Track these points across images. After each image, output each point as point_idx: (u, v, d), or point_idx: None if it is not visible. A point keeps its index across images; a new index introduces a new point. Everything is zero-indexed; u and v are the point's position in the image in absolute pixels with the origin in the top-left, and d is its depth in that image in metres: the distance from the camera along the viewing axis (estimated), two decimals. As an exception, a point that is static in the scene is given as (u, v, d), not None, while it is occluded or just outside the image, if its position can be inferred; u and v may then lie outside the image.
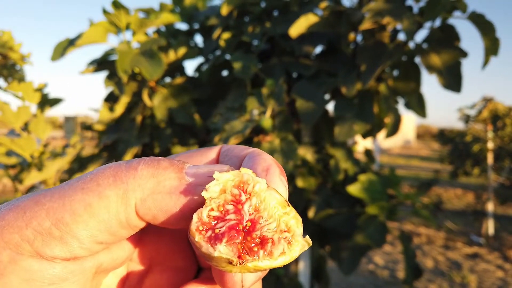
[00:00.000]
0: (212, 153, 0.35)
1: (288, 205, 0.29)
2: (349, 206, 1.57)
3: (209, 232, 0.27)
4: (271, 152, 1.40)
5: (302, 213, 1.57)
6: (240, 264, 0.26)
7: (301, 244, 0.28)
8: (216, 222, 0.27)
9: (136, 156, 1.61)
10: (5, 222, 0.26)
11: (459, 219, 7.26)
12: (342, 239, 1.56)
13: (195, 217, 0.27)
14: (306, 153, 1.55)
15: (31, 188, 1.59)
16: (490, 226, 6.22)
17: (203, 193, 0.27)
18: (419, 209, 1.54)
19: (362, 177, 1.49)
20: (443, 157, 7.75)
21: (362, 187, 1.49)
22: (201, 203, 0.28)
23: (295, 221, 0.28)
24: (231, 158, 0.34)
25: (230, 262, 0.26)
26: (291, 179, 1.52)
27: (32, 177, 1.34)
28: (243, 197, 0.28)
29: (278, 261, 0.27)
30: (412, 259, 1.55)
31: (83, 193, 0.27)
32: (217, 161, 0.35)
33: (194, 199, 0.28)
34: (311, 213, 1.52)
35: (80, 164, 1.46)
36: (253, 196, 0.28)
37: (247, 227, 0.27)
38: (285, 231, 0.28)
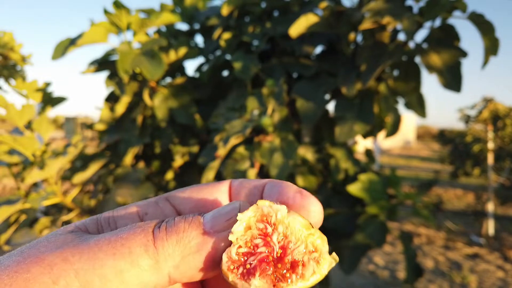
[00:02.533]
0: (222, 187, 0.35)
1: (312, 226, 0.30)
2: (349, 206, 1.58)
3: (241, 269, 0.28)
4: (272, 151, 1.40)
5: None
6: None
7: (328, 261, 0.29)
8: (246, 258, 0.28)
9: (137, 155, 1.62)
10: (30, 275, 0.26)
11: (459, 220, 7.26)
12: (342, 239, 1.57)
13: (224, 257, 0.28)
14: (306, 152, 1.55)
15: (33, 186, 1.60)
16: (490, 227, 6.22)
17: (230, 237, 0.28)
18: (420, 209, 1.55)
19: (363, 177, 1.49)
20: (443, 157, 7.74)
21: (363, 187, 1.50)
22: (229, 245, 0.29)
23: (320, 241, 0.30)
24: (250, 189, 0.34)
25: None
26: (291, 178, 1.52)
27: (33, 176, 1.34)
28: (269, 229, 0.29)
29: (310, 281, 0.28)
30: (412, 259, 1.55)
31: (114, 259, 0.27)
32: (230, 195, 0.35)
33: (221, 246, 0.29)
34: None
35: (83, 162, 1.47)
36: (278, 224, 0.29)
37: (279, 254, 0.28)
38: (313, 252, 0.29)
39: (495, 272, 4.90)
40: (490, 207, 6.27)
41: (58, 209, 1.53)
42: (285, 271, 0.28)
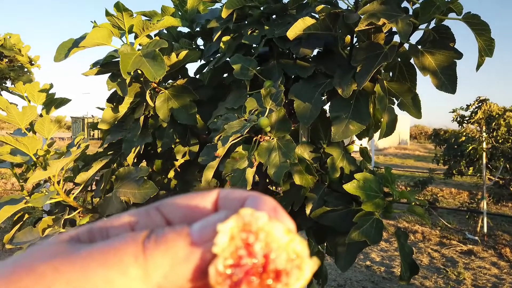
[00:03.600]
0: (210, 197, 0.36)
1: (291, 231, 0.30)
2: (345, 204, 1.61)
3: (228, 281, 0.28)
4: (269, 151, 1.43)
5: (300, 210, 1.61)
6: None
7: (310, 265, 0.30)
8: (232, 270, 0.28)
9: (139, 155, 1.65)
10: (23, 285, 0.27)
11: (454, 218, 7.32)
12: (338, 236, 1.60)
13: (212, 270, 0.29)
14: (304, 152, 1.59)
15: (36, 186, 1.62)
16: (484, 224, 6.29)
17: (214, 249, 0.29)
18: (414, 207, 1.58)
19: (359, 176, 1.53)
20: (437, 157, 7.81)
21: (358, 185, 1.53)
22: (215, 255, 0.29)
23: (301, 246, 0.30)
24: (231, 200, 0.35)
25: None
26: (289, 177, 1.56)
27: (36, 176, 1.37)
28: (251, 238, 0.29)
29: (296, 287, 0.29)
30: (408, 256, 1.59)
31: (105, 268, 0.28)
32: (216, 203, 0.36)
33: (208, 256, 0.29)
34: (308, 210, 1.56)
35: (84, 162, 1.50)
36: (260, 232, 0.29)
37: (262, 263, 0.29)
38: (294, 258, 0.29)
39: (490, 269, 4.96)
40: (484, 205, 6.34)
41: (61, 208, 1.56)
42: (270, 281, 0.28)
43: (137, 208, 0.36)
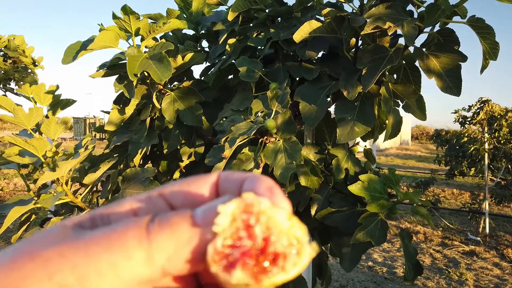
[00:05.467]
0: (211, 179, 0.36)
1: (292, 216, 0.30)
2: (350, 205, 1.62)
3: (224, 261, 0.28)
4: (276, 152, 1.44)
5: (305, 210, 1.62)
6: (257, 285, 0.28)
7: (308, 252, 0.30)
8: (230, 250, 0.28)
9: (145, 156, 1.66)
10: (25, 272, 0.26)
11: (456, 218, 7.33)
12: (343, 236, 1.61)
13: (210, 248, 0.29)
14: (309, 153, 1.60)
15: (42, 187, 1.63)
16: (486, 225, 6.29)
17: (215, 228, 0.29)
18: (418, 208, 1.59)
19: (363, 177, 1.54)
20: (439, 158, 7.81)
21: (363, 186, 1.54)
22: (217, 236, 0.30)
23: (301, 232, 0.30)
24: (231, 182, 0.35)
25: (247, 285, 0.28)
26: (294, 178, 1.57)
27: (46, 177, 1.38)
28: (252, 220, 0.29)
29: (291, 273, 0.29)
30: (412, 256, 1.60)
31: (109, 253, 0.28)
32: (216, 185, 0.35)
33: (209, 236, 0.29)
34: (313, 211, 1.57)
35: (91, 163, 1.51)
36: (261, 215, 0.29)
37: (261, 246, 0.29)
38: (294, 244, 0.29)
39: (492, 270, 4.96)
40: (486, 206, 6.34)
41: (68, 209, 1.57)
42: (267, 263, 0.28)
43: (138, 194, 0.36)
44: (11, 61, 1.59)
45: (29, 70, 1.66)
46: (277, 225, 0.30)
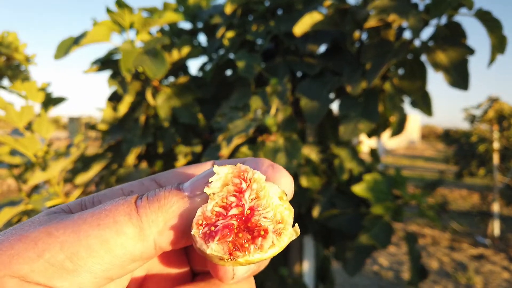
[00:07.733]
0: (206, 166, 0.36)
1: (285, 195, 0.30)
2: (353, 206, 1.56)
3: (205, 229, 0.28)
4: (275, 151, 1.38)
5: (307, 212, 1.55)
6: (231, 260, 0.27)
7: (289, 234, 0.29)
8: (217, 218, 0.28)
9: (140, 155, 1.61)
10: (14, 252, 0.26)
11: (465, 220, 7.22)
12: (346, 240, 1.55)
13: (199, 211, 0.28)
14: (311, 152, 1.54)
15: (35, 188, 1.59)
16: (495, 227, 6.18)
17: (206, 189, 0.28)
18: (425, 210, 1.52)
19: (367, 177, 1.47)
20: (448, 157, 7.70)
21: (367, 187, 1.48)
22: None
23: (288, 212, 0.29)
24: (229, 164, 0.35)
25: (222, 259, 0.27)
26: (295, 179, 1.50)
27: (36, 177, 1.33)
28: (244, 185, 0.29)
29: (268, 253, 0.28)
30: (417, 260, 1.53)
31: (99, 229, 0.27)
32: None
33: (199, 202, 0.29)
34: (315, 213, 1.51)
35: (84, 163, 1.46)
36: (253, 182, 0.29)
37: (247, 215, 0.28)
38: (279, 222, 0.29)
39: (501, 273, 4.86)
40: (496, 207, 6.23)
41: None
42: (245, 241, 0.28)
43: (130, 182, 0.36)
44: (4, 58, 1.56)
45: (23, 67, 1.63)
46: (267, 198, 0.29)
